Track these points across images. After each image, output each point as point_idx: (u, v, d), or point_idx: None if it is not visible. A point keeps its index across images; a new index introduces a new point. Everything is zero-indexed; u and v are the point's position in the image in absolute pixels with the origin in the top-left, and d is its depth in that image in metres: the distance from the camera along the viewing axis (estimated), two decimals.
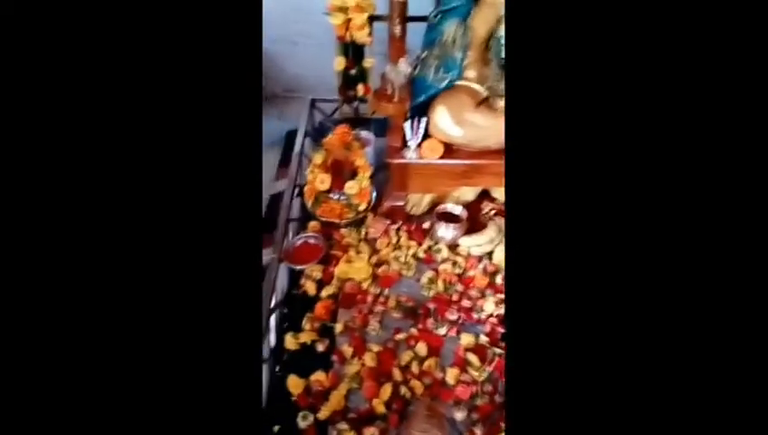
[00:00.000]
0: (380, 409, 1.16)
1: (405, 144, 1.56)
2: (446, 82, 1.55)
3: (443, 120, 1.51)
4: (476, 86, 1.57)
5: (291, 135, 2.19)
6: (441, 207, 1.65)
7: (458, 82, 1.57)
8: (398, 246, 1.58)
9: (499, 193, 1.74)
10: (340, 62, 1.83)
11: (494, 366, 1.26)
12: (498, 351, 1.29)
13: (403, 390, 1.20)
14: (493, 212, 1.71)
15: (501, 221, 1.65)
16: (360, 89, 1.91)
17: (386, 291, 1.45)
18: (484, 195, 1.75)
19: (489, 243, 1.58)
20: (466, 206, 1.68)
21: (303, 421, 1.14)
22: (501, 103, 1.55)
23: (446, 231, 1.58)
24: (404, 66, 1.44)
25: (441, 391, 1.21)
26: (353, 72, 1.86)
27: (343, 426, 1.13)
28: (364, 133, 1.84)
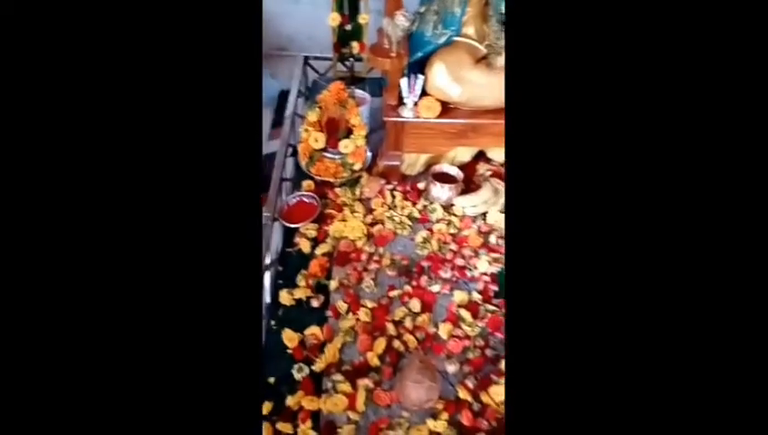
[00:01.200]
0: (374, 361, 1.18)
1: (401, 102, 1.54)
2: (445, 38, 1.52)
3: (441, 77, 1.49)
4: (475, 43, 1.53)
5: (284, 95, 2.15)
6: (436, 168, 1.64)
7: (457, 39, 1.53)
8: (392, 206, 1.58)
9: (495, 154, 1.73)
10: (334, 18, 1.78)
11: (486, 322, 1.28)
12: (491, 308, 1.31)
13: (397, 343, 1.22)
14: (488, 173, 1.71)
15: (496, 182, 1.65)
16: (355, 46, 1.86)
17: (380, 250, 1.46)
18: (480, 155, 1.74)
19: (484, 204, 1.58)
20: (462, 166, 1.67)
21: (299, 373, 1.15)
22: (500, 61, 1.52)
23: (440, 191, 1.58)
24: (402, 20, 1.40)
25: (434, 345, 1.23)
26: (348, 27, 1.81)
27: (338, 377, 1.15)
28: (359, 92, 1.81)
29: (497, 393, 1.13)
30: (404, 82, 1.49)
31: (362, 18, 1.79)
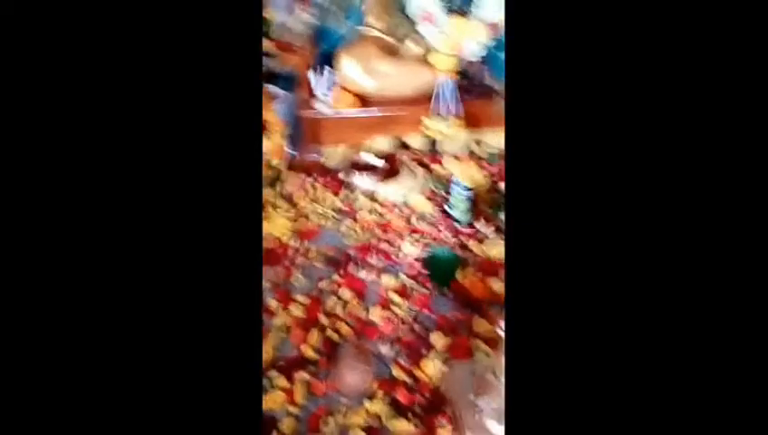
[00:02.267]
0: (309, 353, 1.20)
1: (313, 95, 1.55)
2: (350, 30, 1.54)
3: (351, 70, 1.51)
4: (381, 34, 1.57)
5: None
6: (357, 157, 1.68)
7: (363, 31, 1.56)
8: (315, 199, 1.60)
9: (414, 141, 1.79)
10: None
11: (414, 301, 1.33)
12: (418, 288, 1.37)
13: (330, 333, 1.25)
14: (409, 159, 1.76)
15: (415, 167, 1.71)
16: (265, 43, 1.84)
17: (306, 243, 1.47)
18: (400, 143, 1.79)
19: (405, 189, 1.64)
20: (382, 155, 1.71)
21: None
22: (407, 50, 1.57)
23: (362, 180, 1.61)
24: (303, 14, 1.41)
25: (367, 330, 1.27)
26: None
27: (274, 374, 1.16)
28: (271, 88, 1.79)
29: (429, 367, 1.19)
30: (311, 74, 1.50)
31: (267, 13, 1.77)
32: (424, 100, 1.60)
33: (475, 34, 1.45)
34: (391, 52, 1.57)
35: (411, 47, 1.55)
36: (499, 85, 1.62)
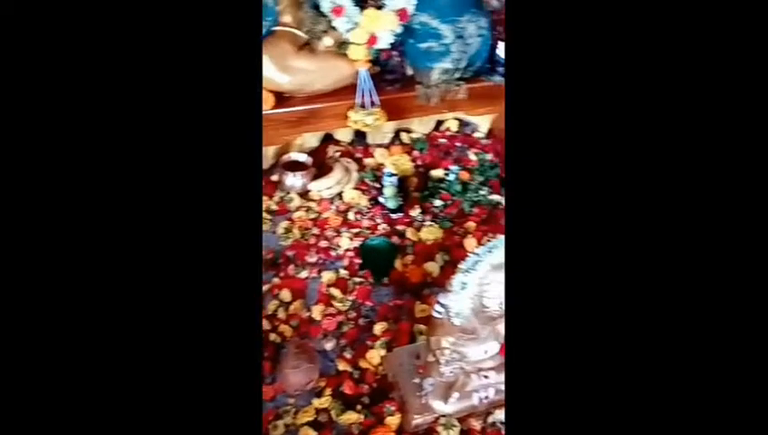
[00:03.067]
0: None
1: None
2: (265, 28, 1.52)
3: (266, 68, 1.49)
4: (295, 30, 1.55)
5: None
6: (286, 157, 1.66)
7: (276, 29, 1.54)
8: None
9: (342, 135, 1.79)
10: None
11: (355, 294, 1.35)
12: (357, 280, 1.38)
13: (273, 336, 1.24)
14: (338, 154, 1.76)
15: (346, 161, 1.71)
16: None
17: None
18: (328, 138, 1.79)
19: (337, 184, 1.64)
20: (311, 152, 1.70)
21: None
22: (322, 44, 1.56)
23: (294, 180, 1.60)
24: None
25: (310, 329, 1.27)
26: None
27: None
28: None
29: (373, 357, 1.21)
30: None
31: None
32: (347, 93, 1.60)
33: (387, 23, 1.46)
34: (307, 47, 1.55)
35: (326, 41, 1.54)
36: (416, 72, 1.65)
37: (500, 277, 0.94)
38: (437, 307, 1.02)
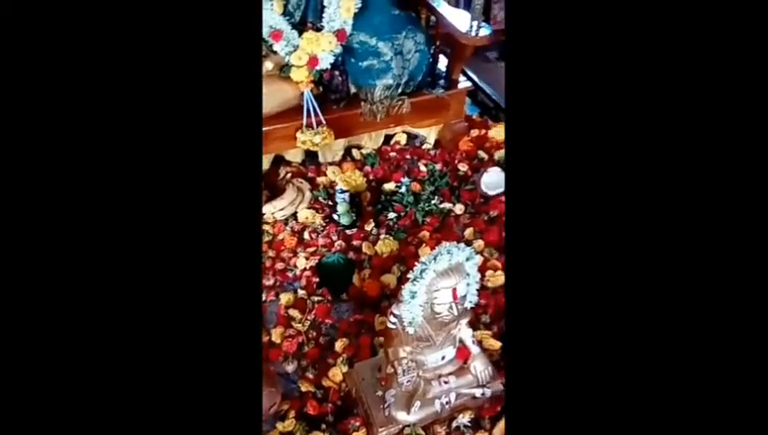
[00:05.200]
0: None
1: None
2: None
3: None
4: None
5: None
6: None
7: None
8: None
9: (292, 155, 1.80)
10: None
11: (314, 313, 1.35)
12: (316, 298, 1.39)
13: None
14: (289, 175, 1.77)
15: (298, 181, 1.72)
16: None
17: None
18: (279, 160, 1.79)
19: (291, 205, 1.64)
20: (262, 175, 1.70)
21: None
22: (264, 69, 1.57)
23: None
24: None
25: (270, 352, 1.26)
26: None
27: None
28: None
29: (336, 374, 1.21)
30: None
31: None
32: (293, 114, 1.61)
33: (326, 45, 1.49)
34: None
35: (267, 65, 1.56)
36: (359, 90, 1.68)
37: (448, 283, 0.97)
38: (391, 318, 1.04)
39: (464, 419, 1.14)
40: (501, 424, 1.14)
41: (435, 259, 0.95)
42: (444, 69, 1.79)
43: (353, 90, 1.69)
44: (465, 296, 1.02)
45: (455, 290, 0.98)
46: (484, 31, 1.61)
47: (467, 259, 0.98)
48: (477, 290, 1.06)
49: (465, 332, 1.12)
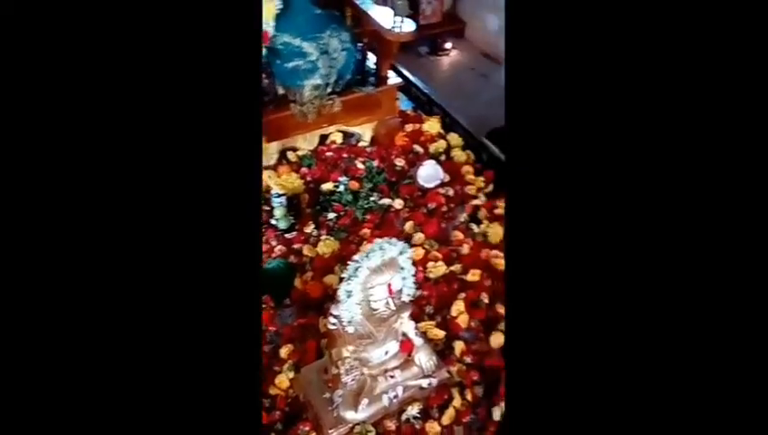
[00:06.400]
0: None
1: None
2: None
3: None
4: None
5: None
6: None
7: None
8: None
9: None
10: None
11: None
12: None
13: None
14: None
15: None
16: None
17: None
18: None
19: None
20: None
21: None
22: None
23: None
24: None
25: None
26: None
27: None
28: None
29: (282, 381, 1.19)
30: None
31: None
32: None
33: None
34: None
35: None
36: (288, 91, 1.66)
37: (382, 279, 0.98)
38: (331, 319, 1.04)
39: (412, 410, 1.16)
40: (449, 412, 1.17)
41: (367, 256, 0.95)
42: (373, 66, 1.80)
43: (281, 91, 1.67)
44: (401, 290, 1.03)
45: (389, 285, 0.99)
46: (409, 26, 1.63)
47: (400, 253, 1.00)
48: (415, 283, 1.07)
49: (406, 325, 1.13)
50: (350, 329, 1.02)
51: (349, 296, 0.96)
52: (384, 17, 1.65)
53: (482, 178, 1.79)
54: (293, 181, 1.70)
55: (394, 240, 1.00)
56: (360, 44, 1.75)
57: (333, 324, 1.04)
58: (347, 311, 0.98)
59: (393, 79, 1.86)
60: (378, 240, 0.99)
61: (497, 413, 1.18)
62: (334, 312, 1.02)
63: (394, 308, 1.03)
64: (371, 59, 1.81)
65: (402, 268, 1.01)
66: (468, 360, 1.27)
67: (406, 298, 1.07)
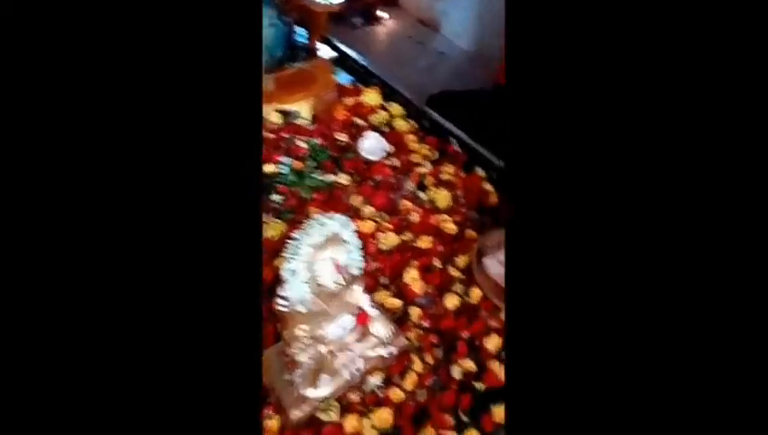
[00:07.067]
0: None
1: None
2: None
3: None
4: None
5: None
6: None
7: None
8: None
9: None
10: None
11: None
12: None
13: None
14: None
15: None
16: None
17: None
18: None
19: None
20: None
21: None
22: None
23: None
24: None
25: None
26: None
27: None
28: None
29: None
30: None
31: None
32: None
33: None
34: None
35: None
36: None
37: (325, 254, 0.97)
38: (279, 301, 1.02)
39: (375, 380, 1.17)
40: (411, 376, 1.19)
41: (307, 233, 0.94)
42: (305, 41, 1.75)
43: None
44: (348, 265, 1.02)
45: (336, 261, 0.98)
46: None
47: (342, 226, 0.99)
48: (362, 255, 1.07)
49: (360, 297, 1.13)
50: (301, 308, 1.01)
51: (293, 275, 0.95)
52: None
53: (426, 146, 1.80)
54: None
55: (334, 214, 0.99)
56: (287, 19, 1.69)
57: (283, 306, 1.02)
58: (294, 290, 0.97)
59: (327, 52, 1.82)
60: (316, 216, 0.97)
61: (457, 372, 1.21)
62: (281, 293, 1.00)
63: (344, 283, 1.02)
64: (302, 34, 1.76)
65: (346, 241, 1.00)
66: (425, 324, 1.29)
67: (355, 271, 1.06)
